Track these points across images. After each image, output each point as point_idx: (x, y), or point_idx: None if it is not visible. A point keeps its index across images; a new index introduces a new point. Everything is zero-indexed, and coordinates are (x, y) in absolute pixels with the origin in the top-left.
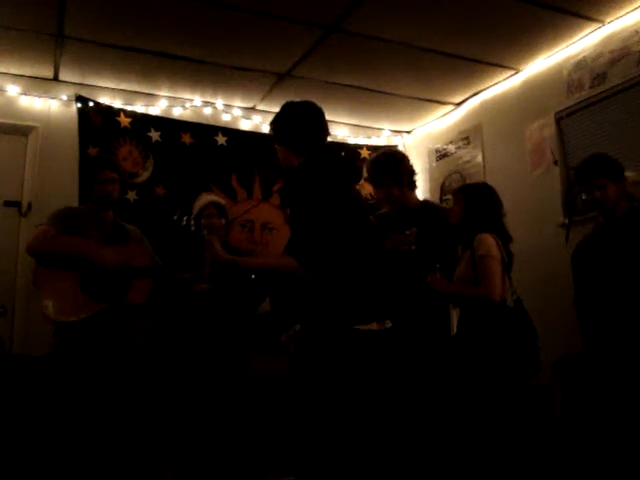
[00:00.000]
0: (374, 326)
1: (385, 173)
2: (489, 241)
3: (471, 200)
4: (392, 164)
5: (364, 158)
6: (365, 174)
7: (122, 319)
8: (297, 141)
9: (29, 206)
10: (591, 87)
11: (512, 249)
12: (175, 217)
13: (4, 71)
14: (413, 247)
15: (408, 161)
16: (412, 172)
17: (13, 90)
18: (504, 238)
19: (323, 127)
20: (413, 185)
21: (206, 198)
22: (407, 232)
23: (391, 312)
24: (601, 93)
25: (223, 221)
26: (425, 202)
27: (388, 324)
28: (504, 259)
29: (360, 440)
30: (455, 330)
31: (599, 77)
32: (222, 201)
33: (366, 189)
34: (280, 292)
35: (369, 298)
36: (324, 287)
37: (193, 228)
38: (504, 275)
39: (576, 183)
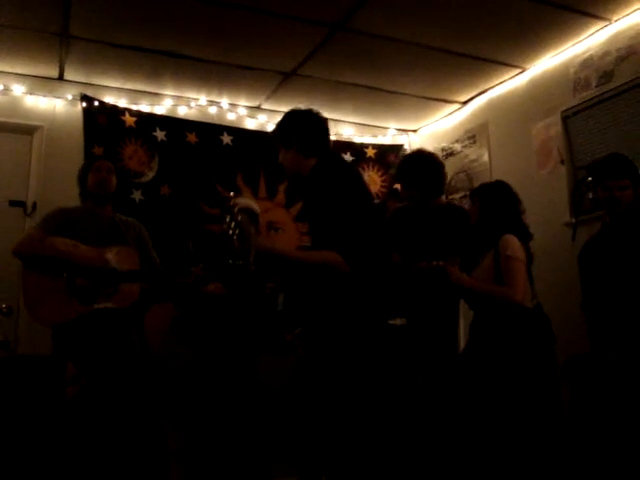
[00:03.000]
0: (398, 321)
1: (407, 176)
2: (515, 243)
3: (487, 201)
4: (417, 169)
5: (370, 157)
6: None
7: (111, 321)
8: (307, 144)
9: (34, 206)
10: (598, 86)
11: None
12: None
13: (9, 70)
14: (438, 283)
15: (435, 167)
16: (437, 180)
17: (18, 89)
18: (525, 237)
19: (327, 132)
20: (436, 192)
21: (245, 201)
22: (434, 264)
23: (405, 309)
24: (608, 92)
25: (252, 229)
26: (448, 203)
27: (405, 321)
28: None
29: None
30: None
31: (606, 75)
32: (256, 208)
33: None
34: (294, 291)
35: (395, 293)
36: (362, 282)
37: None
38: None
39: (596, 178)
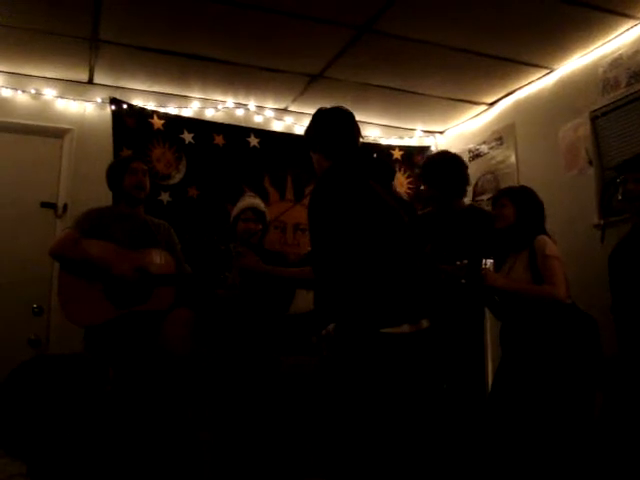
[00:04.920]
0: (405, 328)
1: (431, 175)
2: (551, 242)
3: (523, 203)
4: (441, 168)
5: (396, 159)
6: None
7: (145, 324)
8: (325, 146)
9: (64, 207)
10: (627, 85)
11: None
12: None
13: (41, 75)
14: (463, 281)
15: (459, 168)
16: (460, 180)
17: (49, 93)
18: None
19: (352, 131)
20: (459, 192)
21: (247, 201)
22: (458, 263)
23: (427, 310)
24: (638, 92)
25: (260, 226)
26: (471, 206)
27: (425, 324)
28: None
29: (381, 447)
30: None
31: (636, 75)
32: (262, 206)
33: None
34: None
35: (395, 298)
36: (343, 292)
37: (223, 247)
38: None
39: (622, 171)
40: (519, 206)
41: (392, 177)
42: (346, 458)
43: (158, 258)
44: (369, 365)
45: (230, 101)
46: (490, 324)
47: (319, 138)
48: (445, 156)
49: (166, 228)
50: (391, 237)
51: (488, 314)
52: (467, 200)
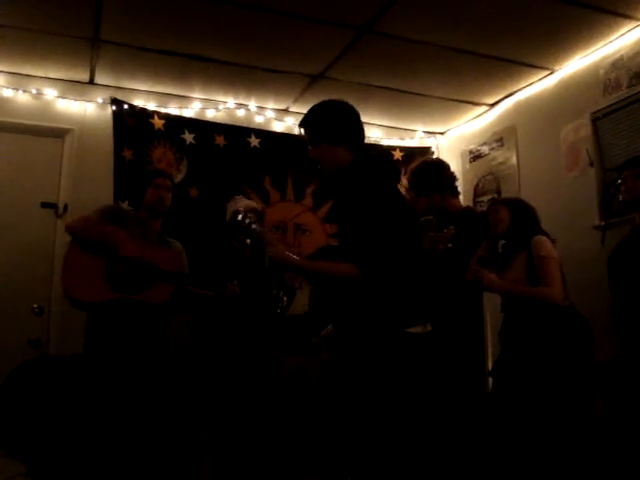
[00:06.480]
0: (419, 329)
1: (427, 182)
2: (548, 243)
3: (514, 206)
4: (433, 173)
5: (397, 160)
6: (405, 182)
7: (139, 315)
8: (349, 137)
9: (65, 207)
10: (628, 87)
11: None
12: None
13: (42, 75)
14: (449, 245)
15: (448, 168)
16: (453, 179)
17: (50, 93)
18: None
19: (353, 118)
20: (455, 192)
21: (245, 202)
22: (445, 230)
23: (431, 315)
24: (639, 93)
25: (266, 237)
26: (467, 208)
27: (429, 327)
28: None
29: (414, 441)
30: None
31: (637, 76)
32: (258, 206)
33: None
34: (319, 295)
35: (417, 301)
36: (380, 290)
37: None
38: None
39: (623, 168)
40: (511, 209)
41: (399, 180)
42: (372, 455)
43: (168, 256)
44: (398, 362)
45: (231, 101)
46: (490, 323)
47: (341, 129)
48: (427, 162)
49: (178, 248)
50: (411, 241)
51: (487, 315)
52: (465, 200)
